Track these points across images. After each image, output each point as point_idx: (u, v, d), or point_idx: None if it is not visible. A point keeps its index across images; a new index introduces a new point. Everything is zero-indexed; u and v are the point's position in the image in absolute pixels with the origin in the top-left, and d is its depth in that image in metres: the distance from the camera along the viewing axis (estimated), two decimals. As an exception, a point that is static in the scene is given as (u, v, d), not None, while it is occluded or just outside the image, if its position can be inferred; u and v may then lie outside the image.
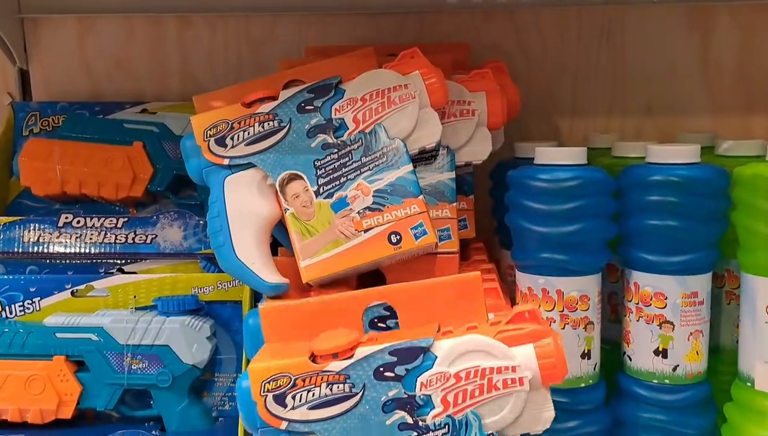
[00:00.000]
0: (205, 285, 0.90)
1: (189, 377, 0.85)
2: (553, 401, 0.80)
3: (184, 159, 0.83)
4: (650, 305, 0.81)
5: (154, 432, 0.85)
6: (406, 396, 0.63)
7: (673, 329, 0.81)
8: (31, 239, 0.93)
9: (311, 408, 0.64)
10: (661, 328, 0.81)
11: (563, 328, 0.80)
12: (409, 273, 0.83)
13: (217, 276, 0.90)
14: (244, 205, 0.79)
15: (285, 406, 0.62)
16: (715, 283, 0.83)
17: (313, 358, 0.62)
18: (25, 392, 0.83)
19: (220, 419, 0.89)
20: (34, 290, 0.90)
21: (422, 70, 0.81)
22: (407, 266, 0.83)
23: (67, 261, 0.95)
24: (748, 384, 0.78)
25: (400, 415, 0.63)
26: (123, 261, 0.95)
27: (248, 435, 0.82)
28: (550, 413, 0.65)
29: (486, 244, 1.03)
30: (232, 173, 0.80)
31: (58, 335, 0.84)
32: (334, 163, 0.80)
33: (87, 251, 0.94)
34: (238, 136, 0.80)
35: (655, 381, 0.81)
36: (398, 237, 0.78)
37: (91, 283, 0.90)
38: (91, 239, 0.94)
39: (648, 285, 0.81)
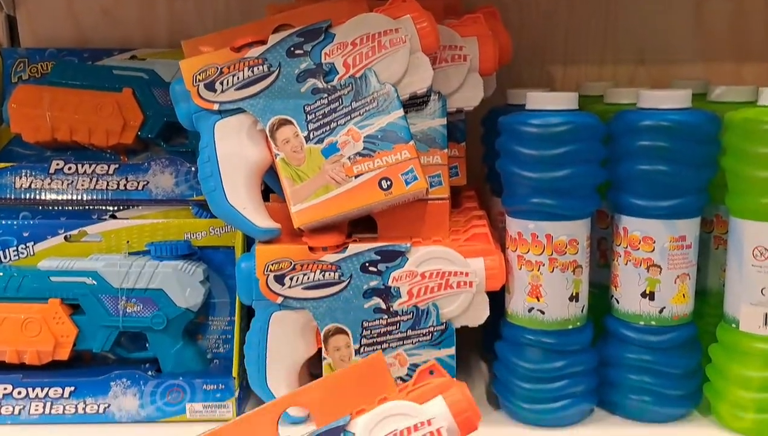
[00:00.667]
0: (198, 231, 0.90)
1: (183, 320, 0.86)
2: (541, 342, 0.81)
3: (173, 104, 0.82)
4: (638, 248, 0.81)
5: (150, 372, 0.86)
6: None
7: (661, 272, 0.81)
8: (23, 186, 0.93)
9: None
10: (648, 271, 0.82)
11: (552, 271, 0.81)
12: (401, 220, 0.85)
13: (209, 222, 0.91)
14: (235, 150, 0.80)
15: None
16: (703, 228, 0.84)
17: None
18: (22, 334, 0.84)
19: (214, 361, 0.89)
20: (27, 234, 0.90)
21: (413, 14, 0.81)
22: (398, 212, 0.84)
23: (59, 208, 0.95)
24: (734, 326, 0.80)
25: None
26: (115, 208, 0.95)
27: (242, 373, 0.84)
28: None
29: (477, 191, 1.03)
30: (222, 118, 0.81)
31: (53, 278, 0.85)
32: (324, 108, 0.80)
33: (79, 197, 0.94)
34: (228, 80, 0.80)
35: (642, 323, 0.82)
36: (389, 183, 0.79)
37: (84, 228, 0.90)
38: (82, 185, 0.94)
39: (637, 229, 0.81)
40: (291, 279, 0.79)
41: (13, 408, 0.83)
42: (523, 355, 0.82)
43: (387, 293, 0.79)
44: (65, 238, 0.90)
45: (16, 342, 0.84)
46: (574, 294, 0.81)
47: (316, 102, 0.80)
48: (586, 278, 0.83)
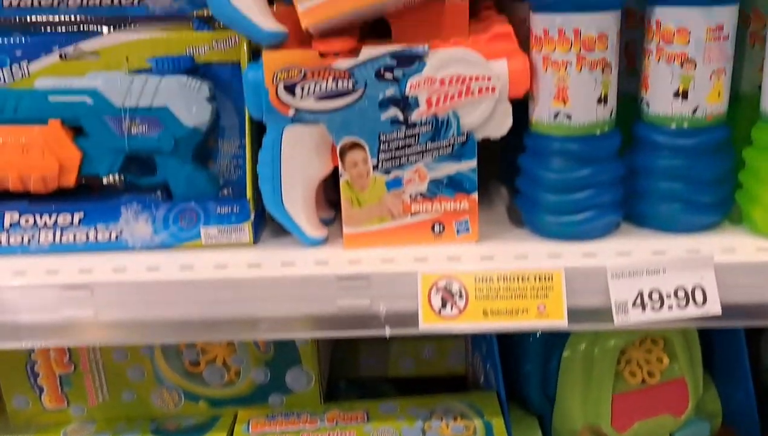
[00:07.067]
0: (201, 44, 0.84)
1: (191, 140, 0.83)
2: (568, 150, 0.78)
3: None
4: (672, 42, 0.76)
5: (161, 197, 0.83)
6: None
7: (695, 67, 0.76)
8: (12, 4, 0.87)
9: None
10: (682, 67, 0.76)
11: (579, 71, 0.76)
12: (417, 22, 0.79)
13: (212, 35, 0.84)
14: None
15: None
16: (739, 23, 0.78)
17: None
18: (24, 158, 0.80)
19: (227, 188, 0.87)
20: (20, 53, 0.84)
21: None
22: (413, 14, 0.78)
23: (51, 29, 0.89)
24: (771, 124, 0.75)
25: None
26: (110, 27, 0.89)
27: (257, 196, 0.81)
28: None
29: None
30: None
31: (51, 98, 0.81)
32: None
33: (71, 17, 0.88)
34: (310, 87, 0.74)
35: (674, 125, 0.78)
36: (404, -35, 0.72)
37: (79, 44, 0.84)
38: (74, 1, 0.87)
39: (671, 20, 0.75)
40: (302, 89, 0.75)
41: (22, 237, 0.81)
42: (547, 164, 0.79)
43: (404, 103, 0.75)
44: (60, 56, 0.85)
45: (19, 167, 0.80)
46: (602, 96, 0.77)
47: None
48: (615, 80, 0.78)
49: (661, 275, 0.71)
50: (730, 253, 0.75)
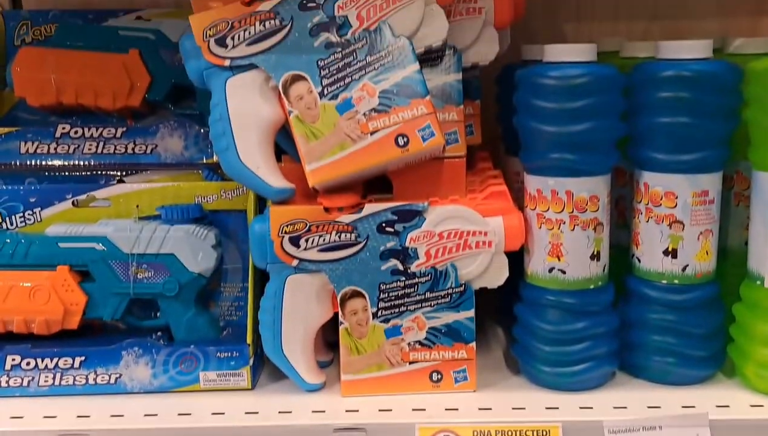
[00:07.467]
0: (209, 194, 0.87)
1: (195, 285, 0.85)
2: (563, 303, 0.80)
3: (183, 60, 0.80)
4: (660, 205, 0.80)
5: (162, 341, 0.84)
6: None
7: (683, 228, 0.79)
8: (29, 151, 0.91)
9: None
10: (671, 228, 0.80)
11: (573, 229, 0.79)
12: (417, 179, 0.83)
13: (220, 184, 0.88)
14: (247, 107, 0.77)
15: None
16: (724, 185, 0.81)
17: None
18: (30, 302, 0.82)
19: (227, 329, 0.87)
20: (34, 200, 0.86)
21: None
22: (414, 171, 0.82)
23: (66, 173, 0.92)
24: (758, 282, 0.78)
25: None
26: (123, 172, 0.93)
27: (257, 339, 0.82)
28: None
29: (490, 153, 1.01)
30: (234, 75, 0.78)
31: (61, 244, 0.83)
32: (338, 63, 0.77)
33: (86, 162, 0.92)
34: (239, 35, 0.77)
35: (665, 281, 0.80)
36: (405, 139, 0.76)
37: (92, 193, 0.88)
38: (89, 149, 0.91)
39: (658, 185, 0.79)
40: (306, 241, 0.78)
41: (22, 380, 0.82)
42: (543, 316, 0.81)
43: (404, 255, 0.77)
44: (73, 203, 0.88)
45: (24, 311, 0.82)
46: (595, 253, 0.79)
47: (329, 57, 0.77)
48: (607, 236, 0.81)
49: (657, 431, 0.72)
50: (724, 409, 0.75)
